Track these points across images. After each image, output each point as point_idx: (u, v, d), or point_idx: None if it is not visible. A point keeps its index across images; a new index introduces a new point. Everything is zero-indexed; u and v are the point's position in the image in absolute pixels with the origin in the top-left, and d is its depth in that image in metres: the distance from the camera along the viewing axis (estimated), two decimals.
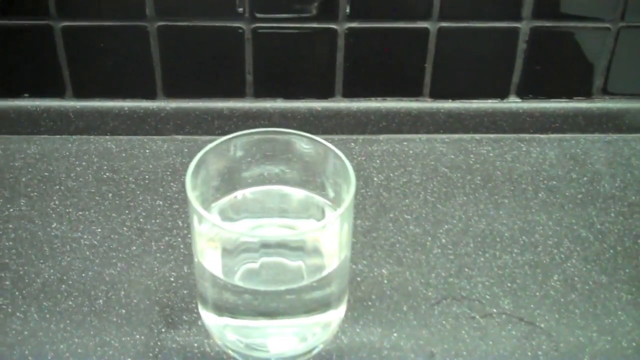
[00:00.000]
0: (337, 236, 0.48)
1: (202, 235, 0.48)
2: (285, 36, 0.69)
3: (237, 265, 0.51)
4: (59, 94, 0.71)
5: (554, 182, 0.69)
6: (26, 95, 0.71)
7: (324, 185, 0.52)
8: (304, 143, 0.51)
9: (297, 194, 0.53)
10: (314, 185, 0.53)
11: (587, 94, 0.74)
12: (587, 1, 0.69)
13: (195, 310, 0.55)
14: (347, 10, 0.67)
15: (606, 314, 0.57)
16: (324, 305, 0.51)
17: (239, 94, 0.72)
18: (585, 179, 0.69)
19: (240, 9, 0.67)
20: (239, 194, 0.53)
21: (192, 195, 0.47)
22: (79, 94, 0.71)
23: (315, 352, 0.52)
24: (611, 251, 0.62)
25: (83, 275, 0.58)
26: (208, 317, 0.52)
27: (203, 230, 0.48)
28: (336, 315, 0.52)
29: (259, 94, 0.72)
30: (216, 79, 0.71)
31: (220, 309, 0.50)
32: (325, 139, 0.51)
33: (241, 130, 0.70)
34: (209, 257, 0.49)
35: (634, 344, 0.54)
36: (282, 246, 0.50)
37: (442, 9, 0.67)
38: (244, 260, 0.51)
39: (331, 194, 0.52)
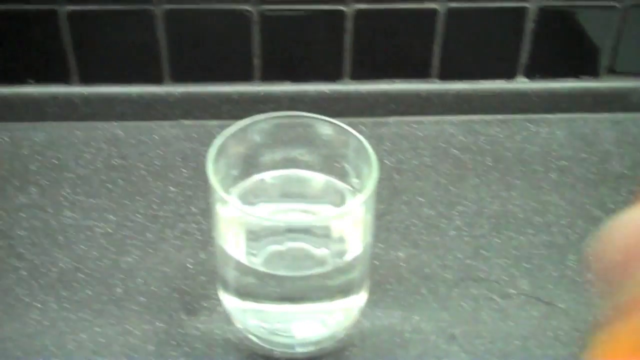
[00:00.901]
0: (361, 222, 0.48)
1: (225, 220, 0.48)
2: (293, 18, 0.68)
3: (261, 249, 0.50)
4: (65, 79, 0.70)
5: (564, 162, 0.69)
6: (31, 81, 0.70)
7: (345, 170, 0.52)
8: (324, 127, 0.51)
9: (317, 178, 0.53)
10: (335, 169, 0.53)
11: (595, 74, 0.74)
12: None
13: (215, 297, 0.55)
14: None
15: None
16: (347, 290, 0.50)
17: (246, 77, 0.71)
18: (595, 158, 0.69)
19: None
20: (259, 177, 0.53)
21: (214, 179, 0.46)
22: (85, 80, 0.70)
23: (338, 336, 0.52)
24: None
25: (99, 263, 0.58)
26: (230, 303, 0.51)
27: (226, 214, 0.48)
28: (358, 300, 0.52)
29: (267, 78, 0.71)
30: (224, 63, 0.70)
31: (243, 294, 0.50)
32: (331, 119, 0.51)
33: (250, 114, 0.70)
34: (231, 242, 0.49)
35: None
36: (306, 231, 0.50)
37: None
38: (267, 244, 0.50)
39: (353, 178, 0.52)
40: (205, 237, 0.60)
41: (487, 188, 0.66)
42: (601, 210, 0.64)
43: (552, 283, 0.57)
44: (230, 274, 0.50)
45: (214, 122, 0.72)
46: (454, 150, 0.70)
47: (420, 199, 0.64)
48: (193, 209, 0.62)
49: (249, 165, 0.53)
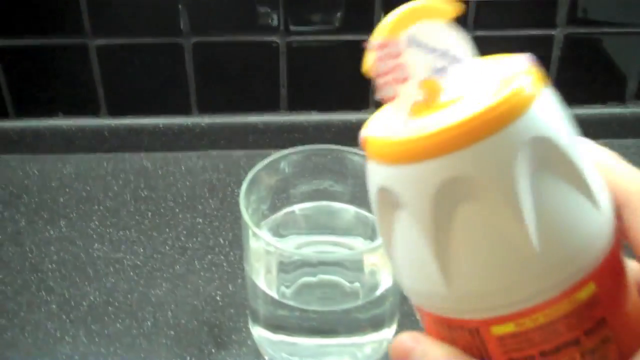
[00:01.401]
0: None
1: (257, 253, 0.48)
2: (319, 49, 0.68)
3: (292, 281, 0.50)
4: (94, 112, 0.71)
5: None
6: (60, 113, 0.71)
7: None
8: (355, 159, 0.51)
9: (347, 210, 0.53)
10: (365, 201, 0.53)
11: (621, 100, 0.73)
12: (620, 7, 0.69)
13: (244, 329, 0.55)
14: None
15: None
16: (378, 323, 0.50)
17: (273, 107, 0.71)
18: None
19: (275, 23, 0.66)
20: (289, 210, 0.53)
21: (246, 215, 0.46)
22: (114, 112, 0.71)
23: None
24: None
25: (129, 296, 0.58)
26: (261, 335, 0.51)
27: (258, 248, 0.48)
28: (389, 332, 0.52)
29: (293, 107, 0.71)
30: (250, 93, 0.71)
31: (274, 327, 0.50)
32: (361, 151, 0.51)
33: (276, 143, 0.71)
34: (262, 275, 0.49)
35: None
36: (338, 264, 0.50)
37: (476, 17, 0.67)
38: (299, 276, 0.50)
39: None
40: (234, 269, 0.60)
41: None
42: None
43: None
44: (262, 307, 0.50)
45: (241, 152, 0.72)
46: None
47: None
48: (221, 240, 0.63)
49: (280, 197, 0.53)
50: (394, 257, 0.27)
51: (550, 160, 0.23)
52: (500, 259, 0.23)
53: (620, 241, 0.26)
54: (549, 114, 0.24)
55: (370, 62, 0.25)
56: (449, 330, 0.27)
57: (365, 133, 0.25)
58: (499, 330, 0.25)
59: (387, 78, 0.25)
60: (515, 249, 0.23)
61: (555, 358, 0.25)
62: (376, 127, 0.25)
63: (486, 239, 0.23)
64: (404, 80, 0.25)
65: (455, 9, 0.25)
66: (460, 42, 0.25)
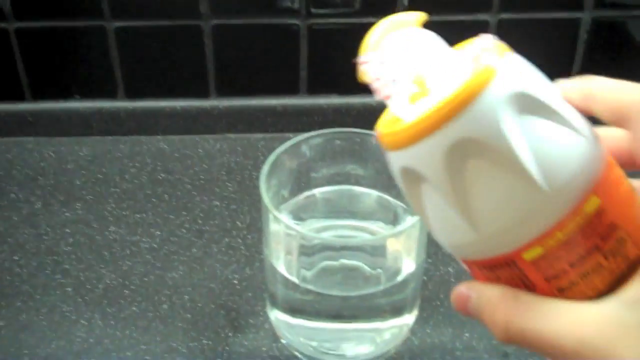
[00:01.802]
0: (415, 241, 0.47)
1: (277, 237, 0.47)
2: (340, 31, 0.67)
3: (313, 265, 0.49)
4: (111, 94, 0.70)
5: None
6: (77, 96, 0.70)
7: (397, 186, 0.50)
8: (376, 142, 0.50)
9: (369, 194, 0.52)
10: (387, 185, 0.51)
11: None
12: None
13: (262, 313, 0.54)
14: (405, 2, 0.65)
15: None
16: (399, 309, 0.49)
17: (292, 90, 0.70)
18: None
19: (296, 5, 0.65)
20: (310, 193, 0.52)
21: (266, 198, 0.45)
22: (131, 94, 0.70)
23: (388, 355, 0.51)
24: None
25: (145, 279, 0.57)
26: (279, 319, 0.50)
27: (278, 232, 0.47)
28: (409, 318, 0.51)
29: (313, 91, 0.70)
30: (269, 76, 0.70)
31: (293, 311, 0.49)
32: None
33: (295, 126, 0.70)
34: (282, 259, 0.48)
35: None
36: (359, 249, 0.49)
37: (502, 0, 0.66)
38: (320, 260, 0.49)
39: None
40: (251, 252, 0.59)
41: None
42: None
43: None
44: (281, 291, 0.49)
45: (259, 135, 0.71)
46: None
47: None
48: (238, 224, 0.62)
49: (300, 181, 0.52)
50: (430, 226, 0.31)
51: (530, 107, 0.27)
52: (512, 198, 0.28)
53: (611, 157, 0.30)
54: (516, 73, 0.28)
55: (363, 73, 0.31)
56: (491, 270, 0.30)
57: (377, 130, 0.30)
58: (530, 255, 0.28)
59: (379, 83, 0.30)
60: (523, 187, 0.27)
61: (583, 265, 0.29)
62: (385, 122, 0.30)
63: (497, 186, 0.28)
64: (393, 81, 0.30)
65: (422, 18, 0.31)
66: (432, 39, 0.31)
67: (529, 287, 0.30)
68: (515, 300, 0.29)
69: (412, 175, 0.29)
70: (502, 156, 0.27)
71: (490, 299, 0.30)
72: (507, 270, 0.29)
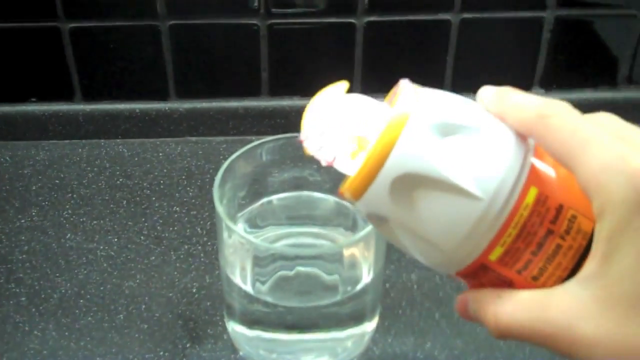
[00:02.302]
0: (373, 247, 0.46)
1: (231, 247, 0.46)
2: (302, 32, 0.66)
3: (268, 275, 0.48)
4: (68, 97, 0.68)
5: None
6: (33, 99, 0.68)
7: None
8: None
9: (327, 200, 0.51)
10: None
11: (613, 84, 0.71)
12: None
13: (220, 323, 0.53)
14: (366, 2, 0.64)
15: None
16: (358, 318, 0.48)
17: (254, 92, 0.69)
18: None
19: (255, 5, 0.64)
20: (266, 200, 0.51)
21: (220, 208, 0.44)
22: (89, 97, 0.68)
23: None
24: None
25: (101, 288, 0.56)
26: (237, 331, 0.49)
27: (232, 242, 0.46)
28: (369, 326, 0.50)
29: (275, 92, 0.69)
30: (230, 78, 0.68)
31: (250, 323, 0.48)
32: None
33: (257, 129, 0.69)
34: (237, 269, 0.47)
35: None
36: (317, 257, 0.48)
37: (464, 0, 0.65)
38: (275, 270, 0.48)
39: None
40: (211, 260, 0.58)
41: None
42: None
43: None
44: (237, 302, 0.48)
45: (220, 139, 0.70)
46: None
47: None
48: (199, 230, 0.61)
49: (257, 187, 0.51)
50: (411, 254, 0.34)
51: (449, 131, 0.30)
52: (459, 213, 0.30)
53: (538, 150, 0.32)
54: (430, 106, 0.31)
55: (306, 149, 0.34)
56: (474, 278, 0.33)
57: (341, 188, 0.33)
58: (495, 255, 0.31)
59: (322, 152, 0.33)
60: (463, 201, 0.30)
61: (544, 251, 0.31)
62: (344, 181, 0.33)
63: (442, 207, 0.30)
64: (334, 146, 0.33)
65: (346, 86, 0.35)
66: (360, 100, 0.34)
67: (508, 283, 0.32)
68: (498, 298, 0.31)
69: (376, 218, 0.32)
70: (436, 181, 0.30)
71: (480, 301, 0.32)
72: (485, 274, 0.32)
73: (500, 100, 0.32)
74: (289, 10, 0.65)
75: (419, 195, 0.30)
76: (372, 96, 0.34)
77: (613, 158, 0.28)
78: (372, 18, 0.65)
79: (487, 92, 0.32)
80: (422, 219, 0.31)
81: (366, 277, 0.47)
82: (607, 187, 0.28)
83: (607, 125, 0.30)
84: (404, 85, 0.32)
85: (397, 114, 0.30)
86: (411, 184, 0.30)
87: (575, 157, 0.29)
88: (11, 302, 0.55)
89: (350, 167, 0.33)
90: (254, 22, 0.65)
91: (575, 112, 0.30)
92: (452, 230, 0.31)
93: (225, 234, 0.45)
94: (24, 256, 0.58)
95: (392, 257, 0.58)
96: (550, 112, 0.30)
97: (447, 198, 0.30)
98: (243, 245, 0.45)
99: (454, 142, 0.30)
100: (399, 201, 0.31)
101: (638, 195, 0.27)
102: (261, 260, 0.47)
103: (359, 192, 0.31)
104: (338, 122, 0.33)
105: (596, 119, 0.30)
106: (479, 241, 0.31)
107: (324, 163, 0.34)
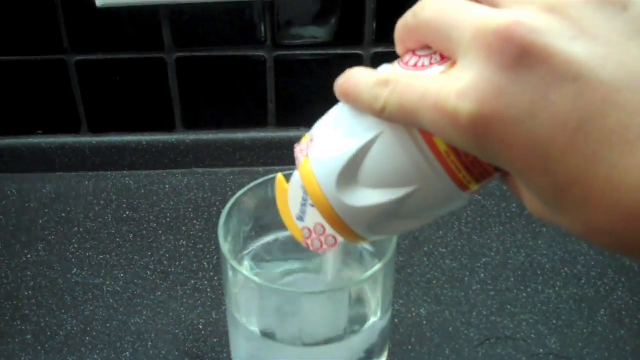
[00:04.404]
0: (380, 286, 0.45)
1: (237, 287, 0.45)
2: (309, 63, 0.66)
3: (275, 313, 0.48)
4: (74, 129, 0.68)
5: None
6: (40, 132, 0.68)
7: None
8: None
9: None
10: None
11: None
12: None
13: None
14: (373, 34, 0.64)
15: None
16: (367, 355, 0.48)
17: (260, 123, 0.69)
18: None
19: (262, 37, 0.64)
20: (273, 236, 0.51)
21: (225, 246, 0.44)
22: (95, 129, 0.68)
23: None
24: None
25: (107, 325, 0.55)
26: None
27: (237, 281, 0.45)
28: None
29: (282, 123, 0.69)
30: (237, 109, 0.68)
31: None
32: None
33: (264, 160, 0.68)
34: (243, 309, 0.46)
35: None
36: (322, 295, 0.47)
37: None
38: (282, 308, 0.48)
39: None
40: (218, 295, 0.57)
41: (512, 237, 0.63)
42: (633, 260, 0.61)
43: (582, 341, 0.54)
44: (242, 341, 0.47)
45: (227, 170, 0.70)
46: (477, 196, 0.67)
47: (442, 249, 0.62)
48: (205, 265, 0.60)
49: (264, 222, 0.50)
50: (424, 216, 0.34)
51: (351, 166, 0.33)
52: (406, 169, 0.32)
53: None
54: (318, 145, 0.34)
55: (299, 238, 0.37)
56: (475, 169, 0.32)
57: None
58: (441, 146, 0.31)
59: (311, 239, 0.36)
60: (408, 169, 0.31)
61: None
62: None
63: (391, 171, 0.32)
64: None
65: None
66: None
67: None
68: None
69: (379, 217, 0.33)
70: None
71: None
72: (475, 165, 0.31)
73: (347, 97, 0.33)
74: (296, 42, 0.65)
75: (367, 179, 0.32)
76: None
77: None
78: (379, 49, 0.65)
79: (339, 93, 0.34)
80: (391, 182, 0.31)
81: (374, 313, 0.46)
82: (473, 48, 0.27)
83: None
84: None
85: (300, 164, 0.35)
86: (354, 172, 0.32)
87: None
88: (17, 339, 0.54)
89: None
90: (261, 53, 0.65)
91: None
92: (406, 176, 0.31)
93: (230, 273, 0.44)
94: (29, 292, 0.58)
95: (401, 292, 0.58)
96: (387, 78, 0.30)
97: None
98: (248, 284, 0.45)
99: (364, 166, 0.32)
100: (353, 194, 0.32)
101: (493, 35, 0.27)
102: (266, 299, 0.47)
103: (325, 203, 0.33)
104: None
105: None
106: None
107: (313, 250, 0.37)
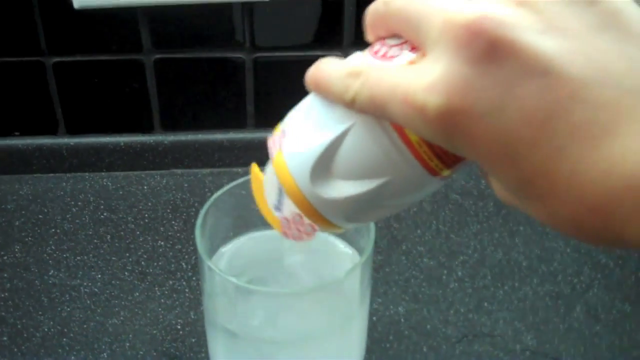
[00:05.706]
0: (358, 282, 0.45)
1: (213, 287, 0.45)
2: (287, 64, 0.66)
3: (252, 312, 0.48)
4: (52, 130, 0.68)
5: None
6: (17, 133, 0.68)
7: None
8: None
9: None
10: None
11: None
12: None
13: None
14: (352, 37, 0.64)
15: (634, 345, 0.54)
16: (345, 352, 0.48)
17: (239, 124, 0.69)
18: None
19: (241, 38, 0.64)
20: (250, 235, 0.51)
21: (202, 247, 0.44)
22: (73, 130, 0.68)
23: None
24: (633, 278, 0.59)
25: (85, 326, 0.55)
26: None
27: (215, 282, 0.45)
28: None
29: (260, 124, 0.69)
30: (215, 110, 0.68)
31: None
32: None
33: (243, 161, 0.68)
34: (220, 308, 0.46)
35: None
36: (299, 294, 0.47)
37: None
38: (258, 307, 0.48)
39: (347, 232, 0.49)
40: (196, 295, 0.57)
41: (489, 235, 0.63)
42: (608, 256, 0.61)
43: (558, 337, 0.55)
44: (221, 342, 0.47)
45: (206, 171, 0.70)
46: (455, 195, 0.67)
47: (420, 248, 0.62)
48: (183, 265, 0.60)
49: (241, 223, 0.50)
50: (400, 202, 0.34)
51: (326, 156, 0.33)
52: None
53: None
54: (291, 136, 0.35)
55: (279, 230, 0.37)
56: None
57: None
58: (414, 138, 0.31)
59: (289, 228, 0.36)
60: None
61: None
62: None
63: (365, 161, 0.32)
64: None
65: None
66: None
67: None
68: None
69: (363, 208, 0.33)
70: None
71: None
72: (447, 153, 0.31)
73: (318, 88, 0.33)
74: (275, 44, 0.65)
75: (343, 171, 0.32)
76: None
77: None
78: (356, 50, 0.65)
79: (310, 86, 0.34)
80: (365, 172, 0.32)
81: (352, 311, 0.46)
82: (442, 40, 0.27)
83: None
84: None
85: (274, 157, 0.35)
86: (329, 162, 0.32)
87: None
88: None
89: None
90: (240, 55, 0.65)
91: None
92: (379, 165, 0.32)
93: (207, 274, 0.44)
94: (6, 294, 0.57)
95: (379, 290, 0.58)
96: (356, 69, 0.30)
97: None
98: (225, 284, 0.45)
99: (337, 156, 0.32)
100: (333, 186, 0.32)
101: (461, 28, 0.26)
102: (244, 299, 0.47)
103: (302, 198, 0.33)
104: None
105: None
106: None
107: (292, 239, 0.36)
